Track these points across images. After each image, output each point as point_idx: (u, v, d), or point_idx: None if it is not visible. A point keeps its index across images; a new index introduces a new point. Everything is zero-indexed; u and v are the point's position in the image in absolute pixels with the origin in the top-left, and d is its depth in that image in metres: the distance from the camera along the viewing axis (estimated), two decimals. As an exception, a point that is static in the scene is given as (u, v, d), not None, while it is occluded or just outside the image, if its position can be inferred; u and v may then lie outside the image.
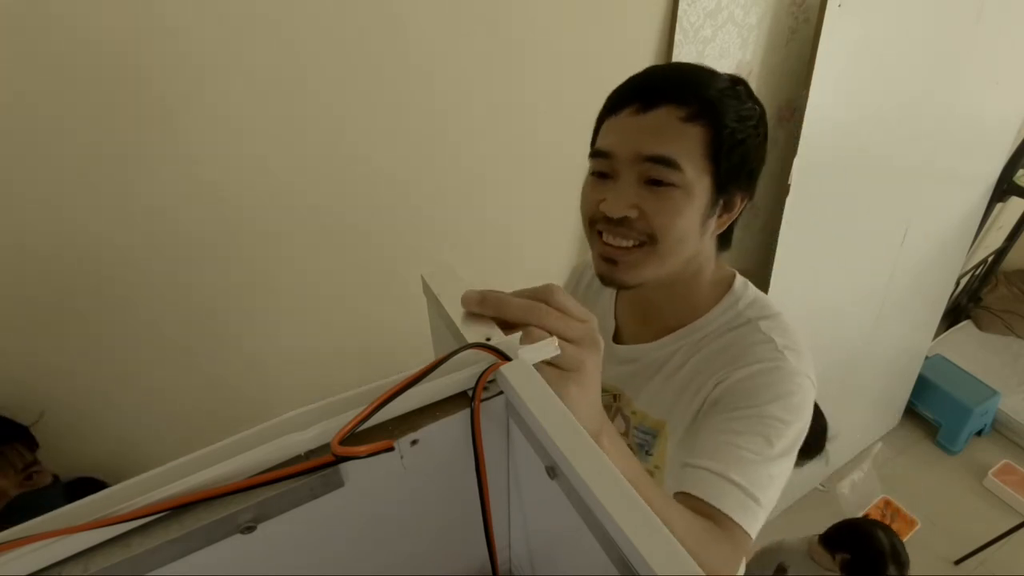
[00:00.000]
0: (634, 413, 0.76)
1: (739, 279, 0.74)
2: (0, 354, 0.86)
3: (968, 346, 2.66)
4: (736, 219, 0.70)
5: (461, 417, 0.35)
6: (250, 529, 0.30)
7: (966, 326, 2.79)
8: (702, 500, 0.57)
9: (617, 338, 0.81)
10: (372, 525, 0.38)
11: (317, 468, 0.31)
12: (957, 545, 2.06)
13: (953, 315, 2.81)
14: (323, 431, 0.32)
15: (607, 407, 0.79)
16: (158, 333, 0.96)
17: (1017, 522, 1.99)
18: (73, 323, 0.89)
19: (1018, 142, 1.98)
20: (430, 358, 0.36)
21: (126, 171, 0.82)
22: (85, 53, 0.73)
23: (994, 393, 2.35)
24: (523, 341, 0.38)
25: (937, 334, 2.59)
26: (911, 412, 2.54)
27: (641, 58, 1.17)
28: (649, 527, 0.27)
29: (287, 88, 0.87)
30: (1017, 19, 1.58)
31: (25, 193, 0.78)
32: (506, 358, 0.37)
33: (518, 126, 1.11)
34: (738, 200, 0.67)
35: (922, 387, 2.45)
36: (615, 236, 0.65)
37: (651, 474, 0.75)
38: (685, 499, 0.58)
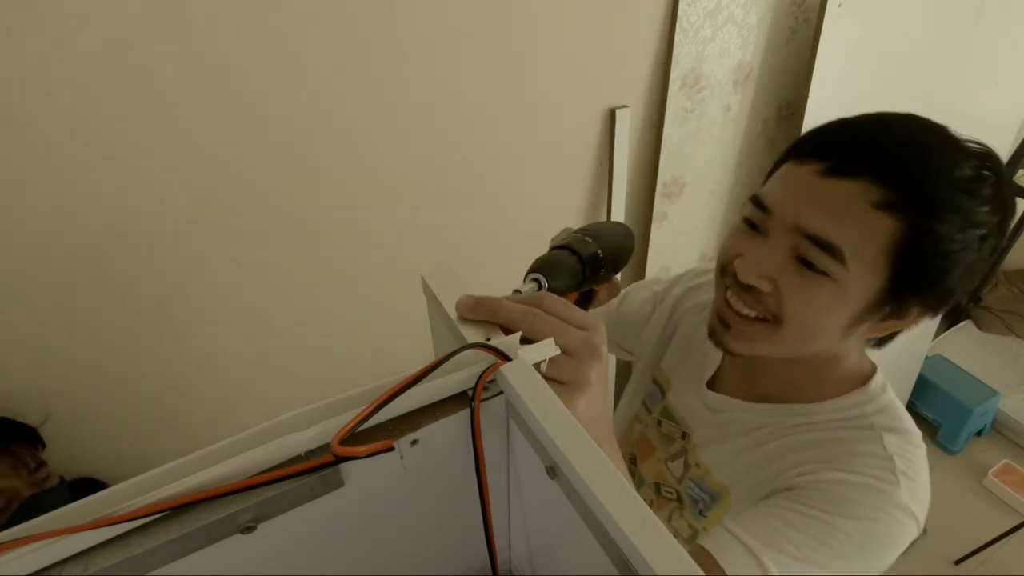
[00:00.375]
0: (698, 465, 0.69)
1: (878, 378, 0.63)
2: (4, 355, 0.86)
3: (968, 346, 2.66)
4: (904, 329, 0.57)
5: (461, 417, 0.35)
6: (250, 529, 0.30)
7: (966, 326, 2.79)
8: (705, 551, 0.51)
9: (712, 382, 0.71)
10: (372, 525, 0.38)
11: (317, 468, 0.31)
12: (957, 545, 2.06)
13: (953, 315, 2.80)
14: (323, 431, 0.32)
15: (670, 439, 0.74)
16: (159, 333, 0.96)
17: (1017, 522, 1.99)
18: (74, 323, 0.89)
19: (1018, 142, 1.98)
20: (430, 358, 0.36)
21: (127, 170, 0.82)
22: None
23: (994, 393, 2.35)
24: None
25: (937, 334, 2.59)
26: (911, 412, 2.52)
27: (641, 58, 1.17)
28: (649, 527, 0.27)
29: (287, 88, 0.87)
30: (1017, 19, 1.57)
31: (24, 195, 0.78)
32: (506, 358, 0.37)
33: (518, 126, 1.11)
34: (914, 313, 0.55)
35: (922, 387, 2.44)
36: (738, 300, 0.57)
37: (694, 535, 0.69)
38: (694, 552, 0.52)
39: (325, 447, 0.32)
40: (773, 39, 1.31)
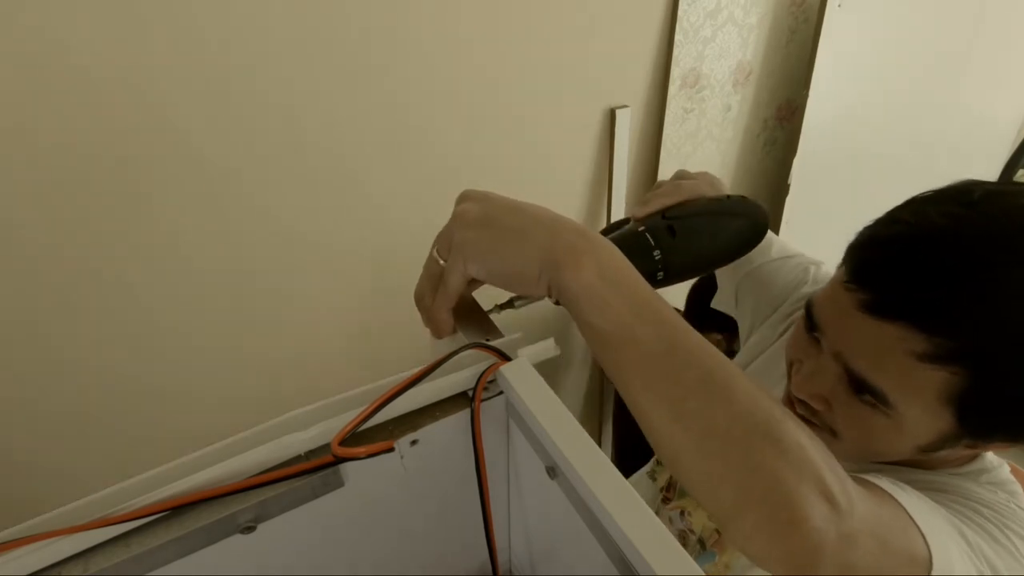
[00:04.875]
0: None
1: (991, 456, 0.51)
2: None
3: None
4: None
5: (461, 417, 0.35)
6: (250, 529, 0.30)
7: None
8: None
9: None
10: (372, 525, 0.38)
11: (317, 468, 0.31)
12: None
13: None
14: (323, 431, 0.32)
15: None
16: (159, 335, 0.96)
17: (1017, 522, 1.98)
18: (76, 325, 0.89)
19: (1018, 142, 1.98)
20: (429, 359, 0.36)
21: (127, 169, 0.82)
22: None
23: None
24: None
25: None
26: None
27: (641, 58, 1.17)
28: (649, 527, 0.27)
29: (284, 91, 0.87)
30: (1017, 19, 1.57)
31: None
32: (506, 358, 0.37)
33: (518, 126, 1.11)
34: (996, 447, 0.47)
35: (922, 387, 2.44)
36: (797, 406, 0.50)
37: None
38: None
39: (325, 447, 0.32)
40: (773, 39, 1.31)
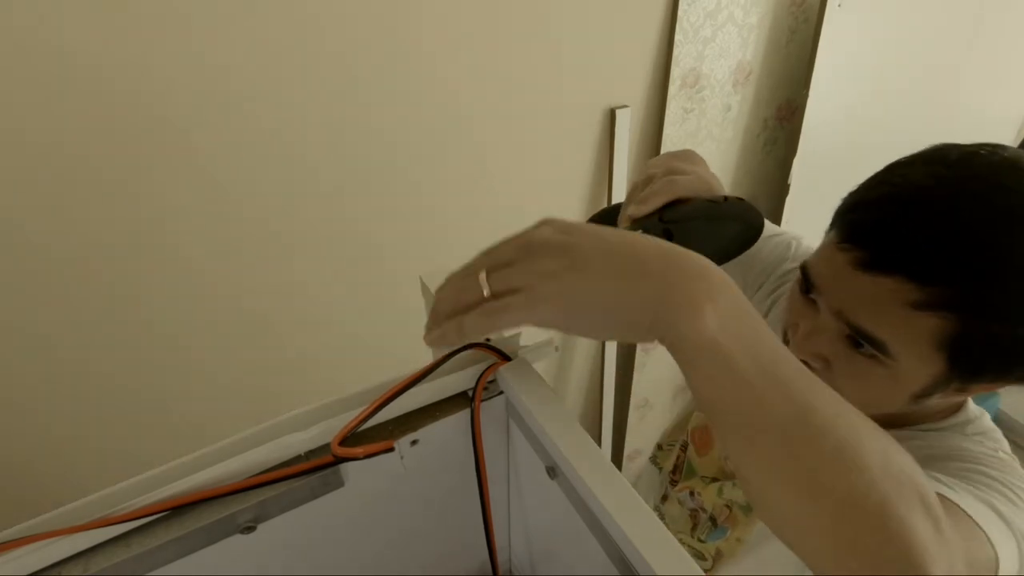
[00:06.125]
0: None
1: (972, 406, 0.56)
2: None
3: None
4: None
5: (461, 417, 0.35)
6: (250, 529, 0.30)
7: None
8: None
9: None
10: (372, 525, 0.38)
11: (317, 468, 0.31)
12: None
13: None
14: (323, 431, 0.32)
15: None
16: (159, 334, 0.96)
17: (1017, 522, 1.98)
18: (75, 325, 0.89)
19: (1018, 142, 1.98)
20: (428, 359, 0.36)
21: (127, 169, 0.82)
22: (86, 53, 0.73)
23: (994, 393, 2.35)
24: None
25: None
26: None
27: (641, 58, 1.17)
28: (649, 527, 0.27)
29: (285, 87, 0.87)
30: (1017, 19, 1.57)
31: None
32: (506, 358, 0.37)
33: (518, 126, 1.11)
34: (982, 388, 0.49)
35: (922, 387, 2.44)
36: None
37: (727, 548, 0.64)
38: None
39: (325, 447, 0.32)
40: (773, 39, 1.31)
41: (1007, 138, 1.91)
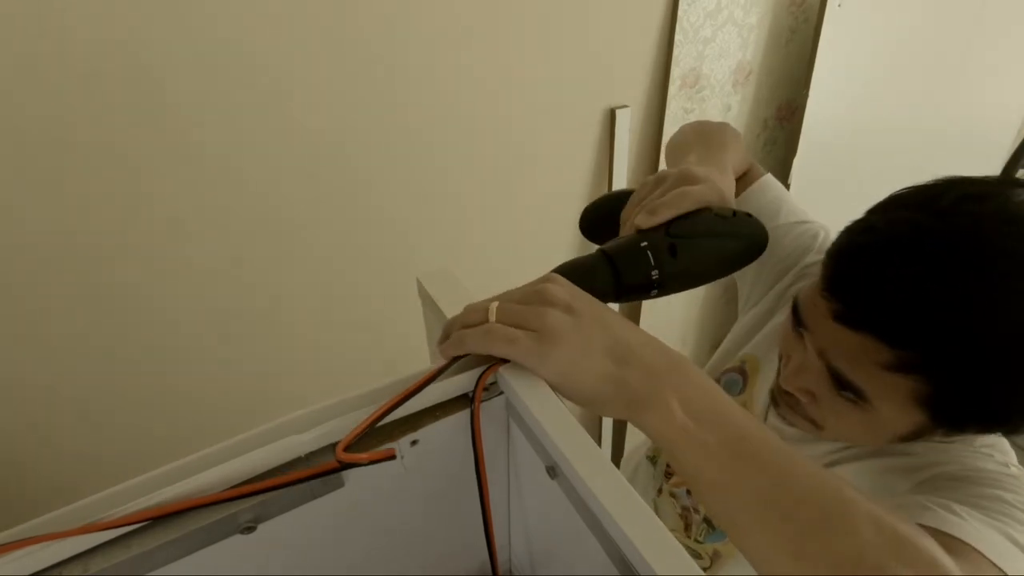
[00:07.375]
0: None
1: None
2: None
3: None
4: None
5: (461, 417, 0.35)
6: (250, 529, 0.30)
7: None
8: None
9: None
10: (372, 525, 0.38)
11: (320, 474, 0.31)
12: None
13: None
14: (324, 433, 0.32)
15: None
16: (159, 334, 0.96)
17: (1017, 522, 1.98)
18: (75, 326, 0.89)
19: (1018, 142, 1.98)
20: (427, 359, 0.36)
21: (127, 169, 0.82)
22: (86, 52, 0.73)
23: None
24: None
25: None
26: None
27: (641, 58, 1.17)
28: (649, 527, 0.27)
29: (285, 88, 0.87)
30: (1017, 19, 1.57)
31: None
32: (506, 359, 0.37)
33: (518, 126, 1.11)
34: (970, 433, 0.48)
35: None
36: (783, 400, 0.54)
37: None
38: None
39: (326, 449, 0.32)
40: (773, 39, 1.31)
41: (1007, 137, 1.91)
